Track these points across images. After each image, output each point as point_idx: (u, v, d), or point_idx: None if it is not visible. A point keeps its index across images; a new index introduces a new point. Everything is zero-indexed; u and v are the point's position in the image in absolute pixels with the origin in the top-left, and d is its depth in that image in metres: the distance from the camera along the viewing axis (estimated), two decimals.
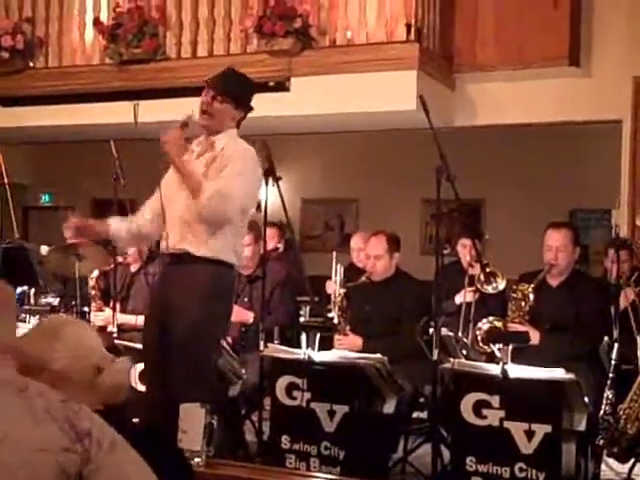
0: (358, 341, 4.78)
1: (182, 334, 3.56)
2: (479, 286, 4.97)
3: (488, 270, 4.95)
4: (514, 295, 4.52)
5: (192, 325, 3.56)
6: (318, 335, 4.23)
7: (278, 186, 4.26)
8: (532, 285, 4.47)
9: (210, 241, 3.65)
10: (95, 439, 1.83)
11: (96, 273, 5.41)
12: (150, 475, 1.89)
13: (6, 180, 5.21)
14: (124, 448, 1.88)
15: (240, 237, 3.80)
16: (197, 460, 3.04)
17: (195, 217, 3.61)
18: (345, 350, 4.68)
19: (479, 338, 4.51)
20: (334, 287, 5.15)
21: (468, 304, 5.15)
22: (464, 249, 5.68)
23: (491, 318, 4.55)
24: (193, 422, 3.09)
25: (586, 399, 3.88)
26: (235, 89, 3.76)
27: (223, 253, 3.67)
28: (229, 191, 3.55)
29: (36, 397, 1.84)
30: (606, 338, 4.45)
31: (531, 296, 4.47)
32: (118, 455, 1.86)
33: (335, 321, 4.89)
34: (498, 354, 3.95)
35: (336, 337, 4.79)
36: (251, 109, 3.83)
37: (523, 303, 4.47)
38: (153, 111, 6.78)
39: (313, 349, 4.19)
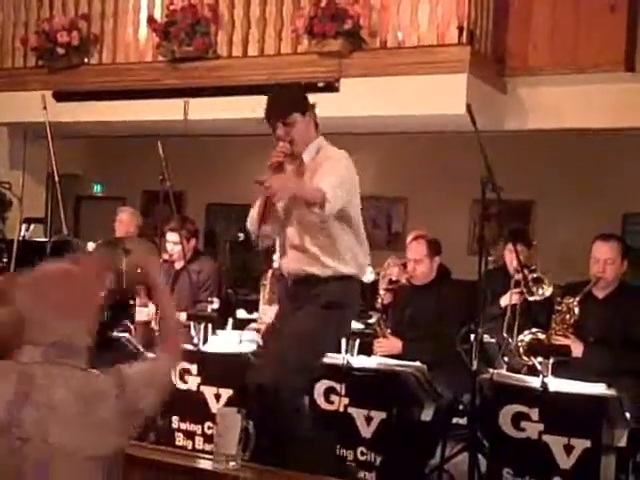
0: (398, 344, 4.79)
1: (303, 332, 3.64)
2: (525, 292, 4.91)
3: (534, 276, 4.90)
4: (559, 308, 4.45)
5: (313, 331, 3.64)
6: (358, 340, 4.24)
7: None
8: (577, 299, 4.41)
9: (325, 260, 3.67)
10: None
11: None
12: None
13: (56, 178, 5.31)
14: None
15: (356, 245, 3.77)
16: (232, 464, 3.07)
17: (306, 242, 3.67)
18: (385, 353, 4.70)
19: (520, 350, 4.46)
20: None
21: (513, 307, 5.10)
22: (511, 254, 5.62)
23: (534, 330, 4.49)
24: (229, 426, 3.11)
25: (628, 415, 3.82)
26: (287, 102, 3.70)
27: (341, 267, 3.68)
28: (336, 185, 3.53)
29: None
30: None
31: (576, 310, 4.40)
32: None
33: (375, 324, 4.91)
34: (539, 367, 3.91)
35: (376, 341, 4.80)
36: (313, 105, 3.76)
37: (568, 316, 4.41)
38: (203, 109, 6.88)
39: (352, 354, 4.20)
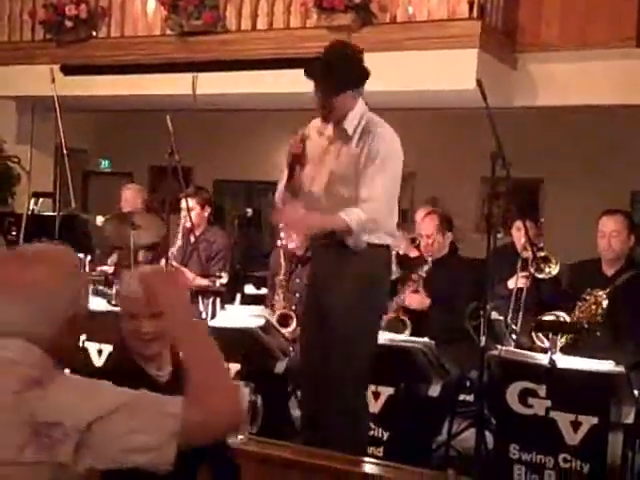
0: (426, 301, 4.82)
1: (338, 327, 3.52)
2: (532, 270, 4.91)
3: (541, 254, 4.90)
4: (586, 297, 4.44)
5: (346, 315, 3.52)
6: None
7: None
8: (607, 291, 4.39)
9: None
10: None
11: (176, 245, 5.42)
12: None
13: (65, 151, 5.30)
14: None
15: (390, 216, 3.67)
16: (240, 437, 3.08)
17: (338, 210, 3.52)
18: (414, 305, 4.80)
19: (533, 334, 4.43)
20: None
21: (520, 289, 5.10)
22: (519, 232, 5.61)
23: (558, 313, 4.46)
24: None
25: (636, 392, 3.83)
26: (338, 77, 3.47)
27: (374, 237, 3.58)
28: (376, 206, 3.48)
29: None
30: None
31: (604, 303, 4.38)
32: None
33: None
34: (547, 343, 3.91)
35: (409, 289, 4.82)
36: (368, 74, 3.58)
37: (594, 307, 4.40)
38: (211, 83, 6.86)
39: None
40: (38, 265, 1.74)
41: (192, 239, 5.53)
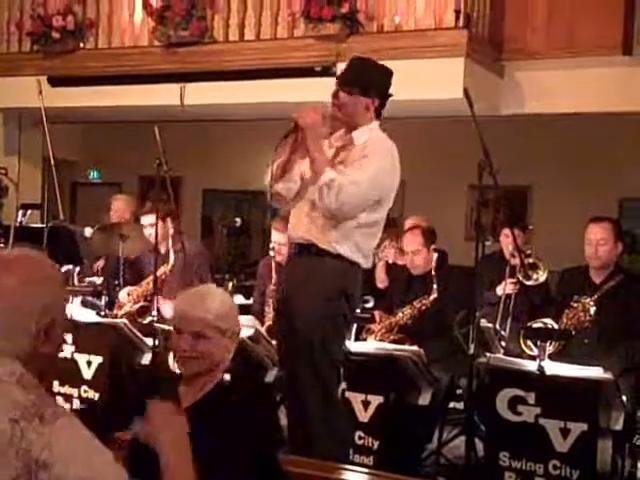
0: None
1: (302, 335, 3.46)
2: (520, 277, 4.93)
3: (529, 261, 4.91)
4: (574, 304, 4.45)
5: (310, 323, 3.46)
6: (355, 326, 4.24)
7: None
8: (594, 298, 4.41)
9: (332, 236, 3.49)
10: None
11: (163, 270, 5.33)
12: None
13: (52, 162, 5.29)
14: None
15: (369, 237, 3.59)
16: None
17: (319, 210, 3.48)
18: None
19: (522, 340, 4.44)
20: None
21: (508, 296, 5.12)
22: (507, 239, 5.63)
23: (545, 320, 4.47)
24: None
25: (624, 398, 3.84)
26: (359, 76, 3.57)
27: (347, 250, 3.51)
28: (347, 185, 3.37)
29: None
30: None
31: (592, 310, 4.39)
32: None
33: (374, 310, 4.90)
34: (536, 350, 3.92)
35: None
36: (388, 96, 3.64)
37: (582, 314, 4.41)
38: (199, 94, 6.86)
39: (349, 340, 4.19)
40: (8, 273, 1.70)
41: (162, 250, 5.41)
